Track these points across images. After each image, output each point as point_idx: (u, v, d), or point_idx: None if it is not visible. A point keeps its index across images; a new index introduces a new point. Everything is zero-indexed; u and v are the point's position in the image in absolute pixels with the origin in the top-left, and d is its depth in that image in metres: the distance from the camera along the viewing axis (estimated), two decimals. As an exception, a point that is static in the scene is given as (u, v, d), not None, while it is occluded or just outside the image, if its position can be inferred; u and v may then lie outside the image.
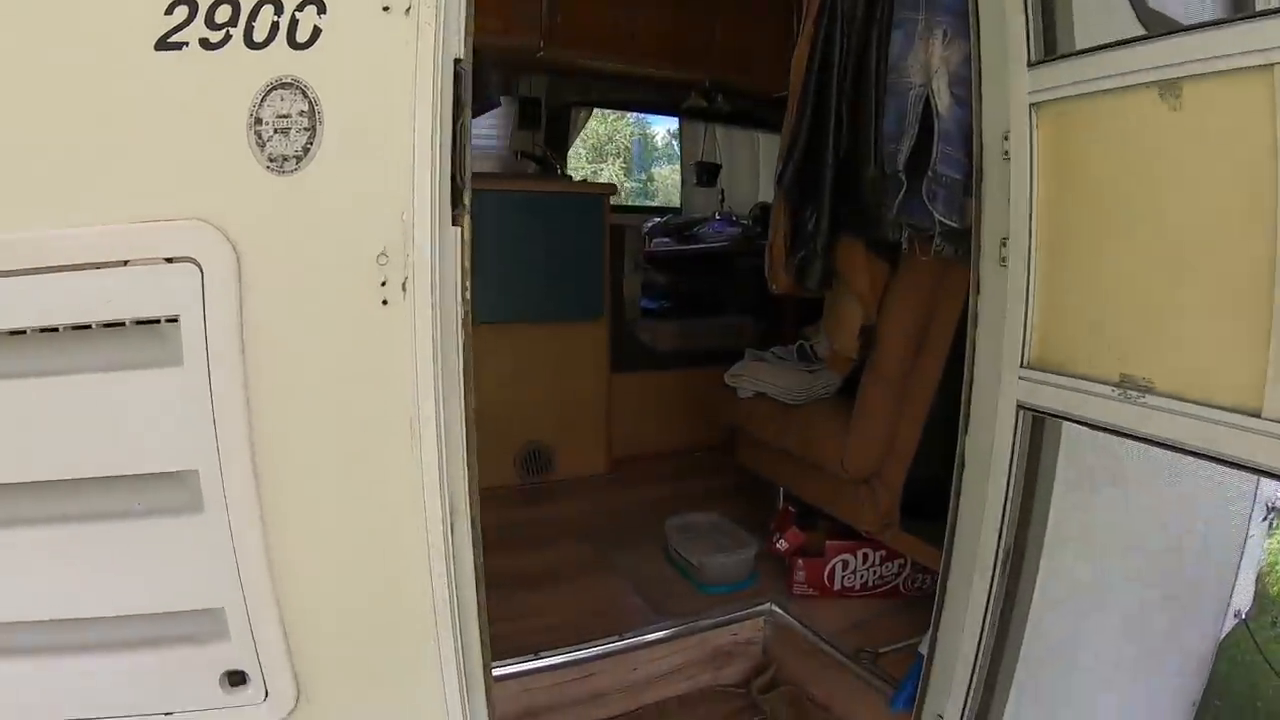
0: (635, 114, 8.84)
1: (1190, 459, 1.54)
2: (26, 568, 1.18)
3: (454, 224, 1.23)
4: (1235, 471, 1.47)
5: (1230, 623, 2.32)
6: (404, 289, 1.18)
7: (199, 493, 1.17)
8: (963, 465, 1.93)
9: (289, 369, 1.18)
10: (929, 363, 2.65)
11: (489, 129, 5.25)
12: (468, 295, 1.28)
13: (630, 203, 9.46)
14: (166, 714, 1.26)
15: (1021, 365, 1.75)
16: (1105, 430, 1.62)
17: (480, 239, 3.71)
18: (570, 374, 4.34)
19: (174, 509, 1.18)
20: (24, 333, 1.09)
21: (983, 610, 1.92)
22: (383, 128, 1.15)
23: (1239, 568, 2.30)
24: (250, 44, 1.09)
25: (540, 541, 3.69)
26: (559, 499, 4.25)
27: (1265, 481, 2.12)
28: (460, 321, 1.26)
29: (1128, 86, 1.50)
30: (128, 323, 1.11)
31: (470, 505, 1.32)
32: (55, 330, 1.10)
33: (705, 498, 3.78)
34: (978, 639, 1.95)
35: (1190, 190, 1.45)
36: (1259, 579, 2.39)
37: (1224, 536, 2.26)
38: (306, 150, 1.13)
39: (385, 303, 1.18)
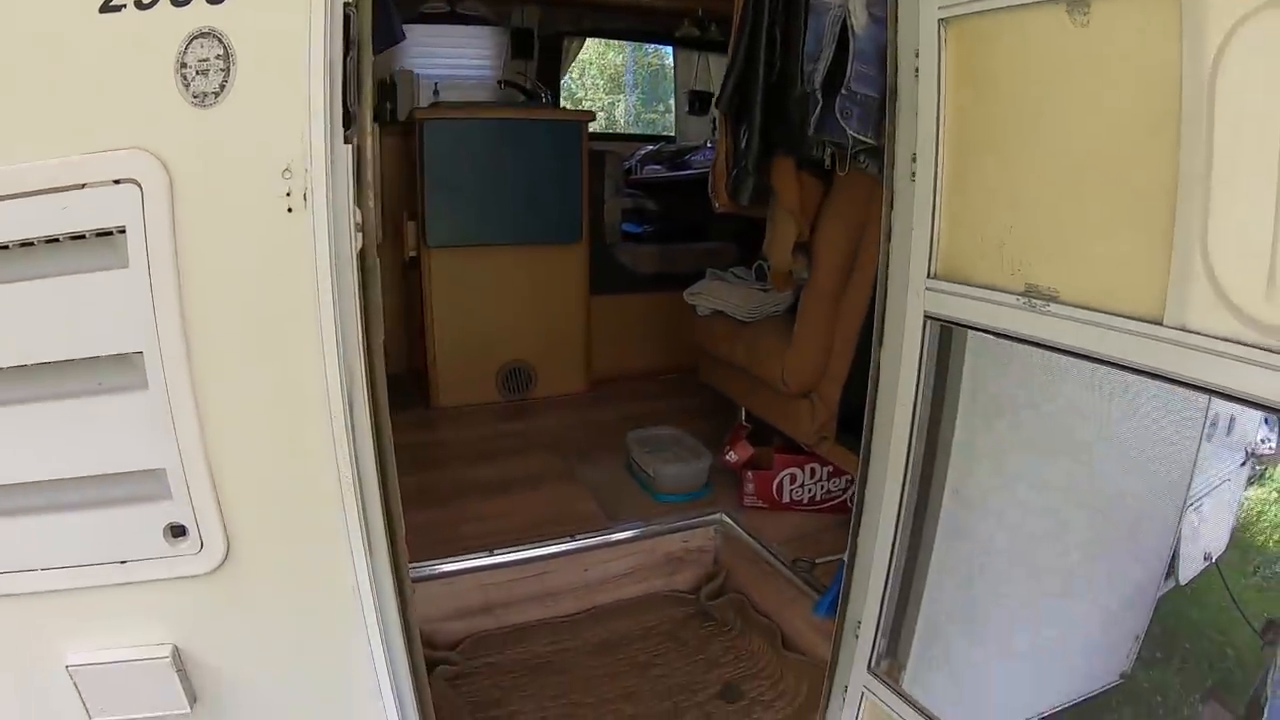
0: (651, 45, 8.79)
1: (1094, 373, 1.63)
2: (6, 440, 1.38)
3: (346, 142, 1.40)
4: (1168, 388, 1.51)
5: (1198, 564, 2.32)
6: (305, 198, 1.36)
7: (143, 371, 1.37)
8: (877, 376, 2.01)
9: (214, 267, 1.36)
10: (861, 279, 2.72)
11: (481, 59, 5.32)
12: (370, 204, 1.50)
13: (641, 132, 9.45)
14: (121, 562, 1.46)
15: (929, 276, 1.81)
16: (1010, 339, 1.68)
17: (460, 165, 3.86)
18: (550, 296, 4.46)
19: (124, 387, 1.38)
20: (6, 247, 1.30)
21: (894, 519, 2.02)
22: (284, 65, 1.33)
23: (1186, 499, 2.32)
24: (175, 3, 1.28)
25: (512, 453, 3.85)
26: (536, 415, 4.40)
27: (1222, 408, 2.14)
28: (354, 225, 1.44)
29: (1037, 2, 1.54)
30: (87, 234, 1.31)
31: (368, 382, 1.49)
32: (31, 244, 1.30)
33: (676, 416, 3.90)
34: (890, 547, 2.06)
35: (1096, 106, 1.49)
36: (1238, 527, 2.37)
37: (1162, 458, 2.17)
38: (223, 87, 1.31)
39: (290, 210, 1.36)
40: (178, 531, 1.46)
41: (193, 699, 1.57)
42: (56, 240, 1.31)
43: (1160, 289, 1.39)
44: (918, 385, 1.90)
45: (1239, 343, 1.29)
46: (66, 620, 1.49)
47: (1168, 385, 1.48)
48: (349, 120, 1.41)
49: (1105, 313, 1.48)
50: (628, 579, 3.16)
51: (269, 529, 1.52)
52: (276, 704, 1.66)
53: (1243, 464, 2.13)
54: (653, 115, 10.28)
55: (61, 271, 1.32)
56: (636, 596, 3.17)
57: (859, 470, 2.13)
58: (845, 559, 2.23)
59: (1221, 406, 2.01)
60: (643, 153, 6.21)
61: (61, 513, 1.42)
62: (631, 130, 10.17)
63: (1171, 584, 2.19)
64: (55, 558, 1.44)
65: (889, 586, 2.11)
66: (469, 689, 2.71)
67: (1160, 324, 1.39)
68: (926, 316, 1.84)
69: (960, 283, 1.76)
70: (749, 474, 3.28)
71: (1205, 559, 2.22)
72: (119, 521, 1.44)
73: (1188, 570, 2.20)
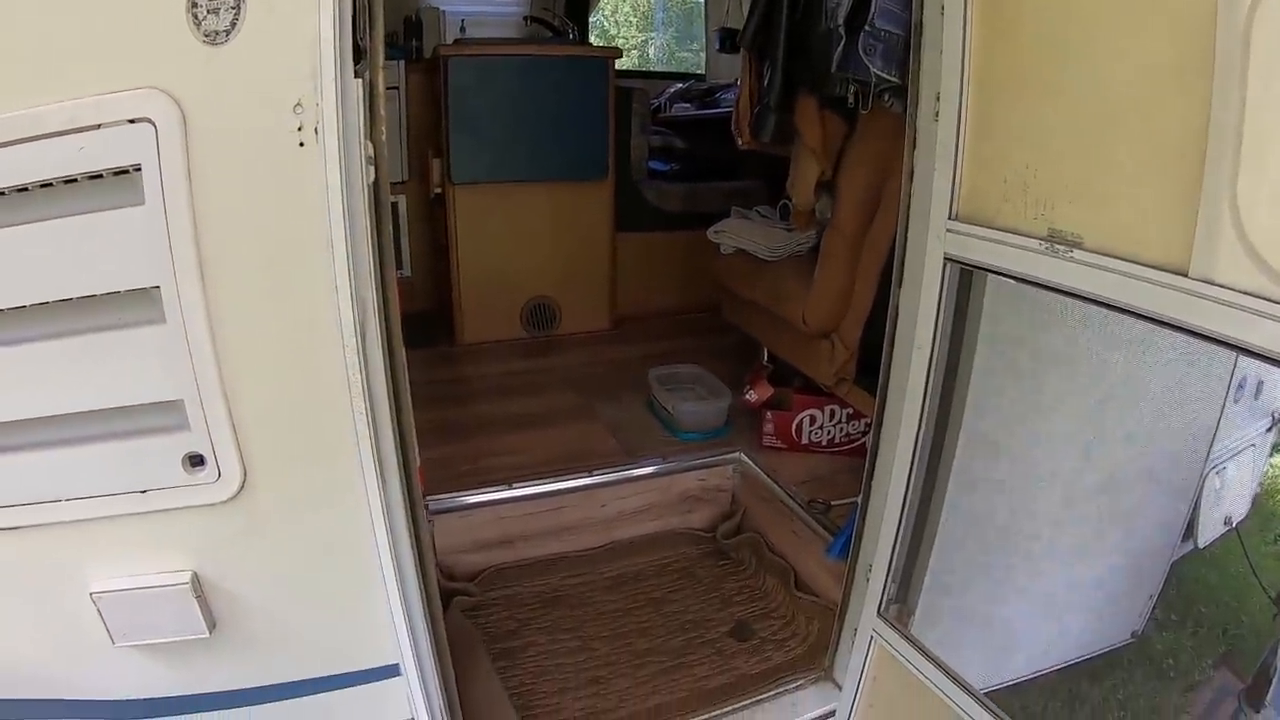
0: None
1: (1116, 325, 1.61)
2: (33, 376, 1.42)
3: (356, 76, 1.40)
4: (1191, 342, 1.48)
5: (1218, 529, 2.27)
6: (315, 132, 1.37)
7: (161, 306, 1.39)
8: (895, 318, 2.00)
9: (228, 202, 1.38)
10: (884, 221, 2.69)
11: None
12: (383, 137, 1.51)
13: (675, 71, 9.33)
14: (142, 491, 1.50)
15: (950, 218, 1.79)
16: (1031, 284, 1.65)
17: (485, 102, 3.83)
18: (575, 233, 4.44)
19: (143, 321, 1.41)
20: (26, 189, 1.33)
21: (908, 462, 2.02)
22: (294, 2, 1.34)
23: (1208, 459, 2.28)
24: (185, -56, 1.30)
25: (534, 390, 3.88)
26: (559, 352, 4.42)
27: (1249, 368, 2.08)
28: (365, 159, 1.45)
29: (1067, -62, 1.49)
30: (104, 174, 1.34)
31: (381, 313, 1.51)
32: (50, 185, 1.33)
33: (699, 355, 3.87)
34: (903, 491, 2.06)
35: (1127, 49, 1.45)
36: (1262, 494, 2.21)
37: (1184, 415, 2.12)
38: (233, 25, 1.31)
39: (301, 145, 1.37)
40: (196, 461, 1.49)
41: (212, 624, 1.62)
42: (75, 180, 1.33)
43: (1186, 240, 1.36)
44: (936, 328, 1.88)
45: (1266, 299, 1.26)
46: (90, 549, 1.54)
47: (1191, 339, 1.45)
48: (359, 55, 1.42)
49: (1129, 261, 1.45)
50: (645, 516, 3.20)
51: (284, 457, 1.55)
52: (292, 628, 1.71)
53: (1269, 429, 2.10)
54: (686, 54, 10.14)
55: (80, 211, 1.34)
56: (653, 533, 3.21)
57: (874, 412, 2.14)
58: (858, 502, 2.25)
59: (1250, 368, 1.95)
60: (672, 90, 6.14)
61: (85, 445, 1.46)
62: (666, 69, 10.01)
63: (1190, 547, 2.17)
64: (79, 489, 1.48)
65: (901, 531, 2.11)
66: (485, 620, 2.77)
67: (1185, 275, 1.36)
68: (946, 259, 1.81)
69: (982, 225, 1.73)
70: (768, 414, 3.29)
71: (1226, 524, 2.20)
72: (139, 452, 1.48)
73: (1207, 534, 2.17)
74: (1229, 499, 2.17)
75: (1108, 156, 1.49)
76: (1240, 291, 1.29)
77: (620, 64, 4.44)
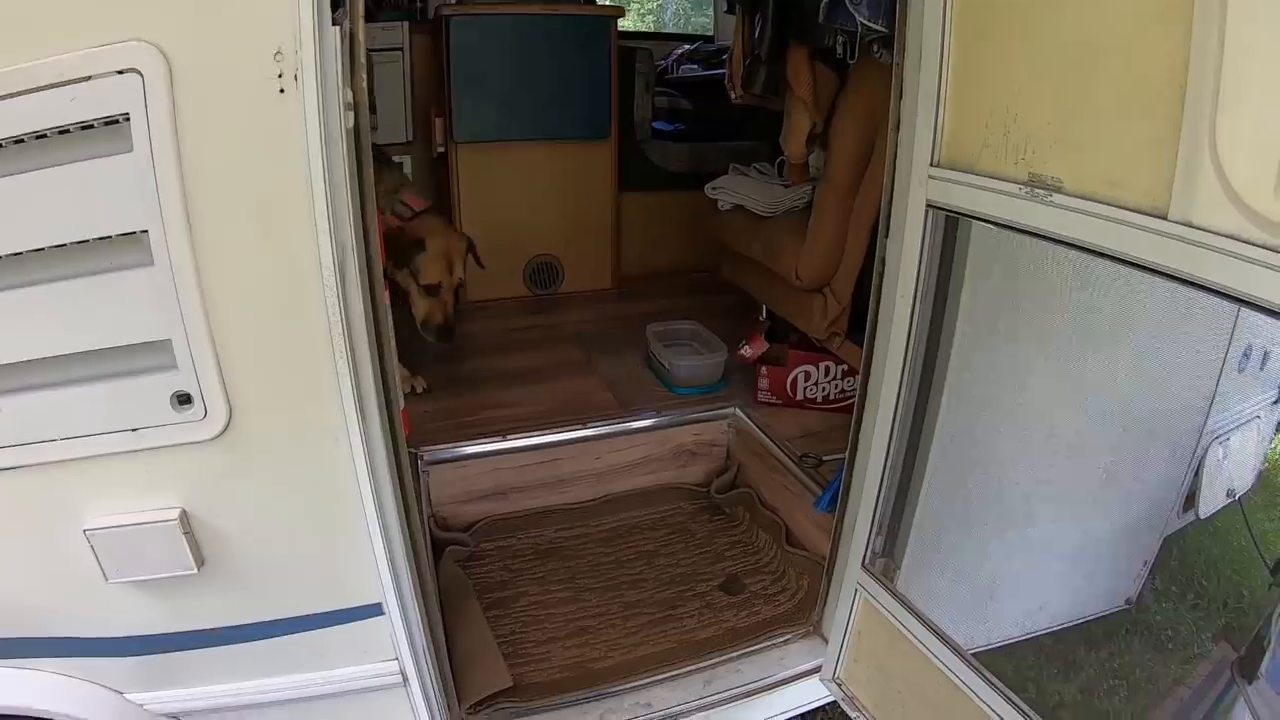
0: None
1: (1100, 274, 1.60)
2: (28, 320, 1.46)
3: (334, 24, 1.41)
4: (1182, 292, 1.48)
5: (1220, 500, 2.22)
6: (295, 79, 1.39)
7: (149, 249, 1.43)
8: (882, 269, 2.00)
9: (212, 148, 1.41)
10: (875, 175, 2.67)
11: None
12: (363, 85, 1.51)
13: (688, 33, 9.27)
14: (132, 430, 1.53)
15: (932, 164, 1.79)
16: (1013, 229, 1.65)
17: (487, 61, 3.81)
18: (578, 192, 4.44)
19: (133, 264, 1.44)
20: (22, 140, 1.36)
21: (891, 412, 2.04)
22: None
23: (1208, 416, 2.24)
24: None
25: (534, 346, 3.91)
26: (562, 310, 4.43)
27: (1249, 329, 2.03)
28: (344, 104, 1.45)
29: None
30: (95, 124, 1.36)
31: (361, 254, 1.53)
32: (44, 136, 1.36)
33: (700, 314, 3.88)
34: (886, 441, 2.08)
35: None
36: (1268, 470, 2.17)
37: (1178, 371, 2.05)
38: None
39: (281, 91, 1.39)
40: (184, 399, 1.52)
41: (200, 561, 1.65)
42: (67, 131, 1.36)
43: (1166, 182, 1.35)
44: (918, 276, 1.89)
45: (1245, 241, 1.26)
46: (83, 487, 1.57)
47: (1182, 290, 1.44)
48: (338, 3, 1.43)
49: (1109, 205, 1.45)
50: (639, 469, 3.23)
51: (269, 396, 1.58)
52: (277, 566, 1.74)
53: (1275, 401, 2.07)
54: (703, 19, 10.07)
55: (72, 159, 1.37)
56: (648, 487, 3.25)
57: (862, 364, 2.15)
58: (846, 454, 2.26)
59: (1254, 337, 1.95)
60: (680, 52, 6.14)
61: (78, 386, 1.50)
62: (681, 32, 9.95)
63: (1191, 518, 2.13)
64: (73, 428, 1.52)
65: (884, 482, 2.13)
66: (478, 571, 2.81)
67: (1165, 218, 1.36)
68: (929, 205, 1.82)
69: (963, 171, 1.73)
70: (763, 369, 3.30)
71: (1228, 495, 2.16)
72: (130, 391, 1.51)
73: (1208, 505, 2.13)
74: (1232, 471, 2.14)
75: (1087, 100, 1.49)
76: (1219, 234, 1.29)
77: (634, 26, 4.43)
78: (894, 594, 2.13)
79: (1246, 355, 1.94)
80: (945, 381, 1.99)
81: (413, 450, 2.31)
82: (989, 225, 1.73)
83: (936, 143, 1.78)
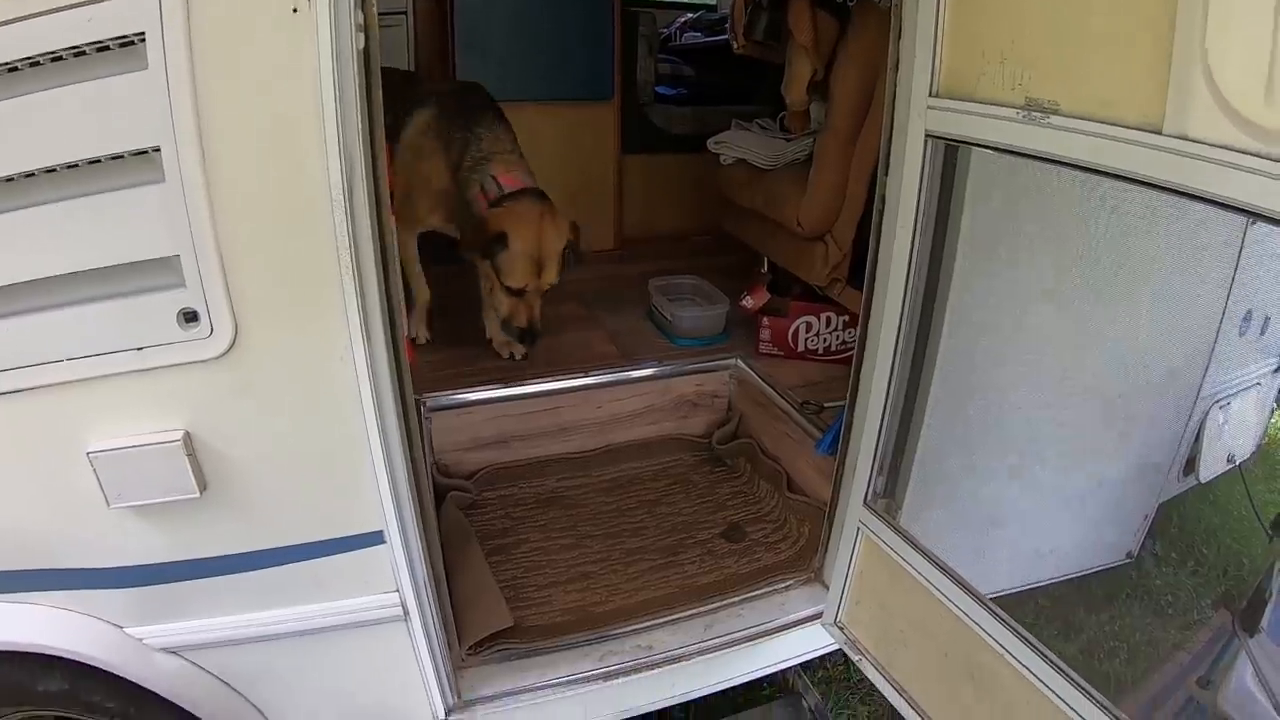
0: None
1: (1101, 203, 1.62)
2: (41, 238, 1.48)
3: None
4: (1185, 222, 1.53)
5: (1220, 465, 2.14)
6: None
7: (161, 166, 1.44)
8: (882, 207, 2.02)
9: (225, 66, 1.42)
10: (877, 120, 2.67)
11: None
12: (373, 10, 1.52)
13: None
14: (139, 348, 1.55)
15: (930, 95, 1.80)
16: (1011, 153, 1.66)
17: (490, 22, 3.80)
18: (581, 153, 4.44)
19: (144, 181, 1.46)
20: (39, 63, 1.38)
21: (892, 347, 2.05)
22: None
23: (1203, 381, 2.09)
24: None
25: (538, 301, 3.90)
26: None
27: (1261, 310, 1.96)
28: (355, 26, 1.47)
29: None
30: (111, 45, 1.38)
31: (370, 174, 1.55)
32: (61, 58, 1.38)
33: (703, 274, 3.89)
34: (888, 375, 2.08)
35: None
36: (1270, 444, 2.23)
37: (1181, 302, 2.05)
38: None
39: (295, 10, 1.41)
40: (190, 317, 1.54)
41: (203, 485, 1.66)
42: (84, 53, 1.38)
43: (1159, 97, 1.37)
44: (918, 206, 1.90)
45: (1238, 150, 1.27)
46: (88, 409, 1.58)
47: (1181, 208, 1.46)
48: None
49: (1104, 123, 1.46)
50: (642, 419, 3.25)
51: (274, 314, 1.59)
52: (279, 492, 1.76)
53: (1276, 369, 2.13)
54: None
55: (88, 78, 1.39)
56: (650, 438, 3.27)
57: (863, 304, 2.16)
58: (847, 394, 2.27)
59: (1257, 302, 1.94)
60: (683, 20, 6.17)
61: (87, 305, 1.51)
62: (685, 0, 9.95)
63: (1192, 481, 2.14)
64: (80, 348, 1.54)
65: (885, 419, 2.13)
66: (480, 519, 2.83)
67: (1159, 132, 1.37)
68: (928, 135, 1.83)
69: (962, 99, 1.75)
70: (765, 320, 3.33)
71: (1229, 461, 2.18)
72: (137, 309, 1.53)
73: (1209, 470, 2.15)
74: (1232, 436, 2.16)
75: (1082, 22, 1.50)
76: (1213, 145, 1.30)
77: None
78: (896, 529, 2.14)
79: (1247, 319, 1.97)
80: (945, 314, 2.00)
81: (416, 396, 2.32)
82: (987, 150, 1.74)
83: (935, 74, 1.79)
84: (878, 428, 2.15)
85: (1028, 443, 2.18)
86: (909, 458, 2.20)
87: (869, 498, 2.22)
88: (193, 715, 1.95)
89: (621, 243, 4.65)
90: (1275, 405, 2.11)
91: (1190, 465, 2.14)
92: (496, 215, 2.90)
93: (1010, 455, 2.21)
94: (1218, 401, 2.14)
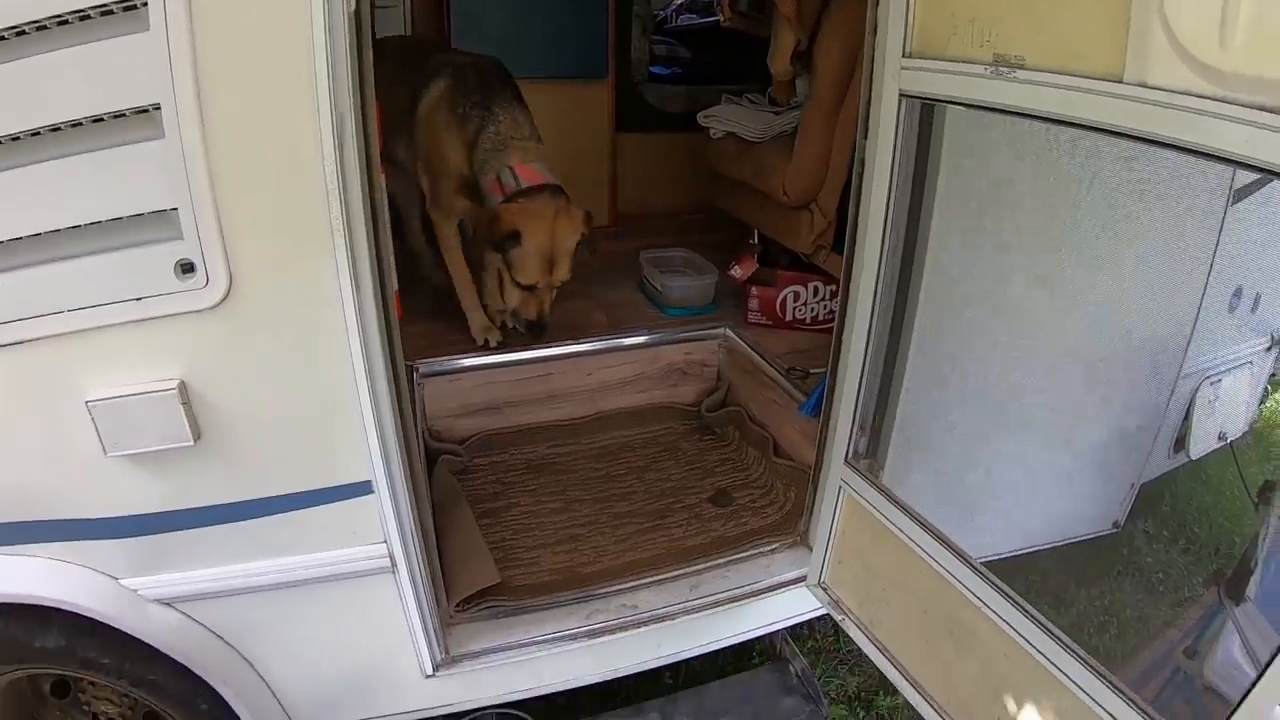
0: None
1: (1072, 159, 1.68)
2: (44, 194, 1.53)
3: None
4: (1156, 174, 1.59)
5: (1211, 442, 2.17)
6: None
7: (161, 123, 1.50)
8: (861, 169, 2.06)
9: (222, 26, 1.48)
10: (861, 89, 2.74)
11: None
12: None
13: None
14: (137, 299, 1.60)
15: (904, 55, 1.85)
16: (980, 108, 1.72)
17: (485, 1, 3.80)
18: (575, 131, 4.43)
19: (144, 138, 1.51)
20: (45, 26, 1.43)
21: (870, 304, 2.09)
22: None
23: (1188, 347, 2.11)
24: None
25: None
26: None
27: (1252, 289, 2.00)
28: None
29: None
30: (114, 9, 1.44)
31: (360, 131, 1.61)
32: (67, 21, 1.43)
33: (694, 248, 3.94)
34: (866, 335, 2.13)
35: None
36: (1262, 426, 2.24)
37: (1157, 250, 2.08)
38: None
39: None
40: (186, 268, 1.59)
41: (197, 434, 1.71)
42: (88, 16, 1.43)
43: (1120, 47, 1.42)
44: (893, 166, 1.94)
45: (1196, 94, 1.32)
46: (87, 360, 1.64)
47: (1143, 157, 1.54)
48: None
49: (1068, 74, 1.51)
50: (631, 387, 3.31)
51: (267, 265, 1.64)
52: (271, 441, 1.81)
53: (1268, 349, 2.13)
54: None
55: (90, 40, 1.44)
56: (639, 406, 3.33)
57: (844, 266, 2.20)
58: (830, 356, 2.30)
59: (1247, 281, 1.92)
60: (678, 2, 6.24)
61: (87, 258, 1.57)
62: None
63: (1183, 458, 2.16)
64: (80, 300, 1.59)
65: (865, 377, 2.18)
66: (471, 484, 2.89)
67: (1120, 81, 1.43)
68: (902, 95, 1.88)
69: (933, 59, 1.80)
70: (753, 290, 3.37)
71: (1220, 439, 2.19)
72: (136, 261, 1.58)
73: (1199, 446, 2.17)
74: (1224, 413, 2.16)
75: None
76: (1172, 90, 1.35)
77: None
78: (877, 487, 2.19)
79: (1237, 295, 2.00)
80: (923, 274, 2.05)
81: (408, 363, 2.36)
82: (958, 107, 1.79)
83: (908, 35, 1.84)
84: (857, 386, 2.20)
85: (1009, 406, 2.21)
86: (889, 417, 2.24)
87: (850, 456, 2.27)
88: (186, 671, 2.00)
89: (616, 219, 4.67)
90: (1268, 387, 2.12)
91: (1181, 442, 2.16)
92: (511, 211, 2.84)
93: (992, 418, 2.24)
94: (1208, 378, 2.15)
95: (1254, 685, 1.35)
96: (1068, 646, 1.71)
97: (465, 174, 3.02)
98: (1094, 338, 2.10)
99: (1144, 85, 1.39)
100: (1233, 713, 1.39)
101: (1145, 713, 1.56)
